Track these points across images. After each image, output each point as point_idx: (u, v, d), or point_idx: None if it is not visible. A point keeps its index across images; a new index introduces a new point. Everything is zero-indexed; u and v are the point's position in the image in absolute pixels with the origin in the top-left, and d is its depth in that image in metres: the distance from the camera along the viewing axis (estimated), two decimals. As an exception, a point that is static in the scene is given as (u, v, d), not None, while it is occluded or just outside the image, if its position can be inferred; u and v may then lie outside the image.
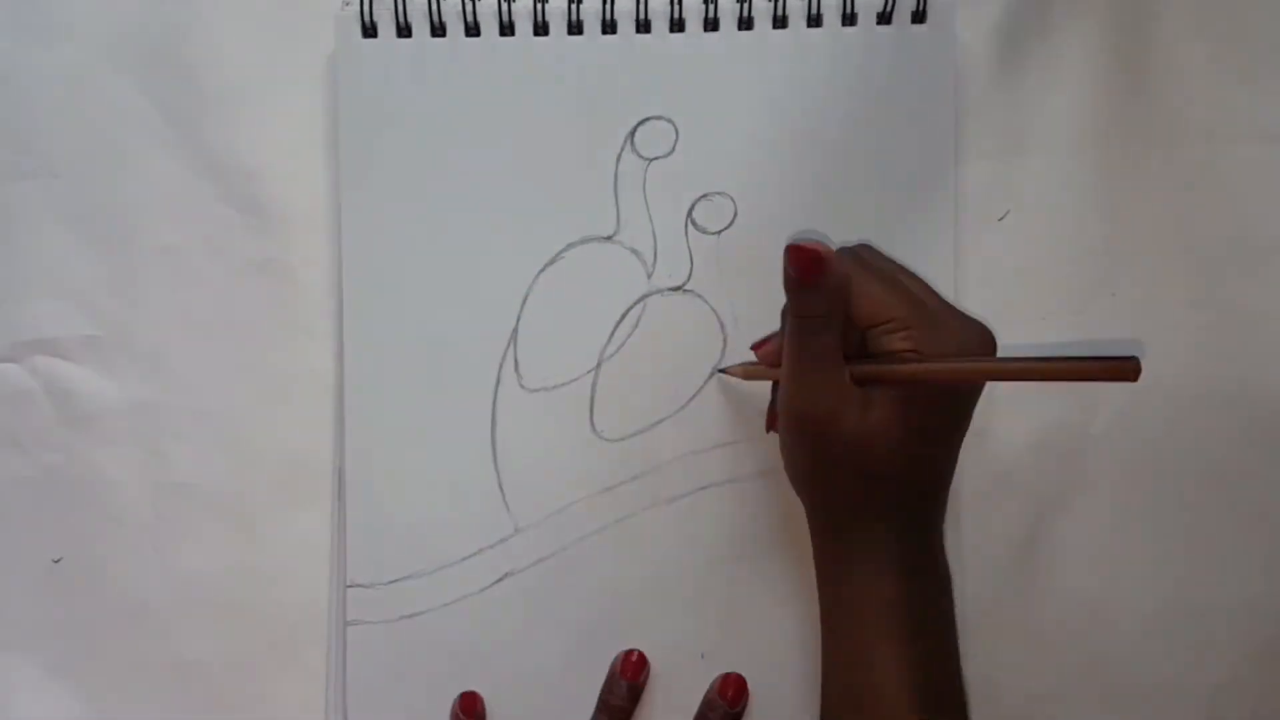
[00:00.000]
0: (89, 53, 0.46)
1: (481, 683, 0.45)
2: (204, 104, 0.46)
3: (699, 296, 0.46)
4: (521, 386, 0.46)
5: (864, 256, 0.40)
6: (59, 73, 0.46)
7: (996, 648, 0.46)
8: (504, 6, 0.45)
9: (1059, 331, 0.47)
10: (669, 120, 0.46)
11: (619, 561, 0.46)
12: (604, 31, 0.46)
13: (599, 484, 0.46)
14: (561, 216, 0.46)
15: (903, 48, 0.46)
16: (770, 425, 0.44)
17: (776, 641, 0.46)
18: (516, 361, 0.46)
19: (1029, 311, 0.47)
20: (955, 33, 0.46)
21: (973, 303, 0.46)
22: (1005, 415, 0.46)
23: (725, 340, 0.46)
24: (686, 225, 0.46)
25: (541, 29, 0.46)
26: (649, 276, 0.46)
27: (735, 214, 0.46)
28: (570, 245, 0.46)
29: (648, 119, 0.46)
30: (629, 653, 0.46)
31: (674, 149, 0.46)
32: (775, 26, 0.46)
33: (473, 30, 0.46)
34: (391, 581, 0.45)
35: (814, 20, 0.46)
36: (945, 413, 0.38)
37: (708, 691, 0.46)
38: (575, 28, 0.46)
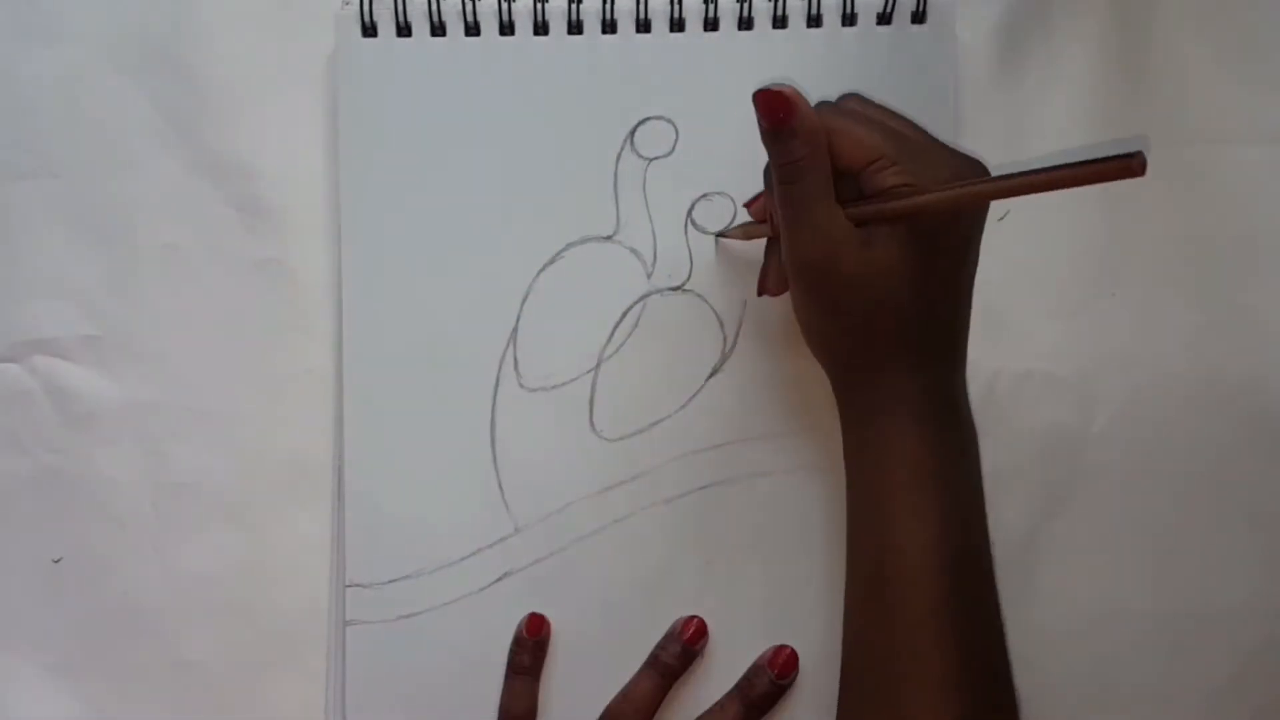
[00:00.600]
0: (89, 53, 0.46)
1: (481, 683, 0.45)
2: (203, 104, 0.46)
3: (699, 296, 0.46)
4: (521, 386, 0.46)
5: (845, 105, 0.39)
6: (59, 73, 0.46)
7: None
8: (504, 6, 0.45)
9: (1059, 331, 0.47)
10: (669, 120, 0.46)
11: (618, 561, 0.46)
12: (604, 31, 0.46)
13: (598, 484, 0.46)
14: (561, 216, 0.46)
15: (902, 48, 0.46)
16: (761, 288, 0.43)
17: (777, 640, 0.46)
18: (516, 361, 0.46)
19: (1029, 311, 0.47)
20: (955, 33, 0.46)
21: (973, 302, 0.46)
22: (1005, 415, 0.46)
23: (725, 340, 0.46)
24: (686, 225, 0.46)
25: (541, 29, 0.46)
26: (649, 276, 0.46)
27: (735, 214, 0.46)
28: (570, 245, 0.46)
29: (648, 119, 0.46)
30: (691, 618, 0.45)
31: (674, 149, 0.46)
32: (775, 27, 0.46)
33: (473, 30, 0.46)
34: (391, 581, 0.45)
35: (814, 21, 0.46)
36: (949, 247, 0.38)
37: (757, 659, 0.46)
38: (575, 28, 0.46)
